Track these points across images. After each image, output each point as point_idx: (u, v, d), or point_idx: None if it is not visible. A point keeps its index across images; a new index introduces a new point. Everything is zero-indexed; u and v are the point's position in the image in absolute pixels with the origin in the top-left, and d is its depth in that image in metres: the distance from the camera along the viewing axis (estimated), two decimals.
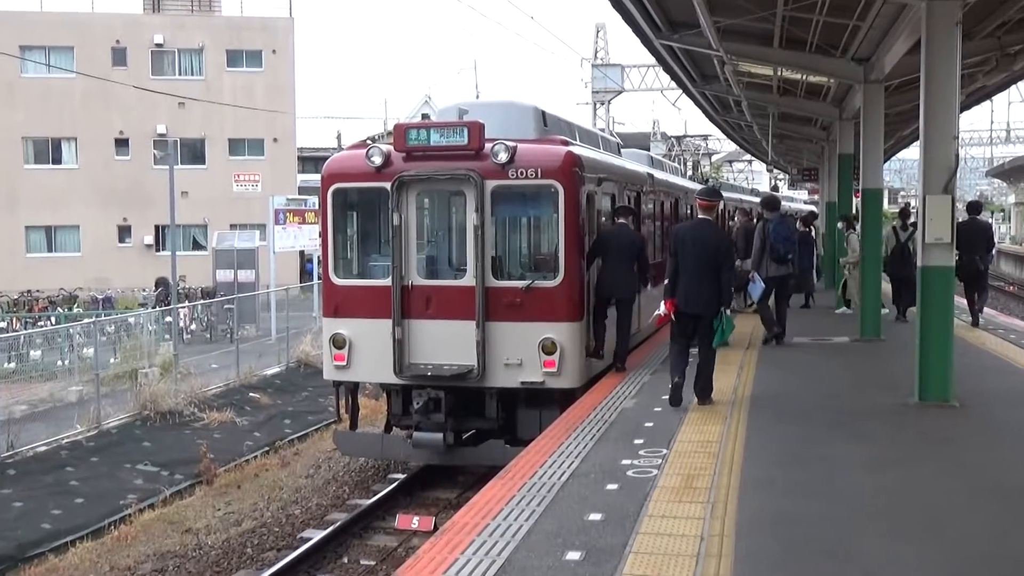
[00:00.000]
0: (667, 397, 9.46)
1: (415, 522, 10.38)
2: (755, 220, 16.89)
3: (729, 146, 56.13)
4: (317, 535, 10.33)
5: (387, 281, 11.14)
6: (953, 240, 9.38)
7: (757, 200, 40.16)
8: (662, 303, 9.62)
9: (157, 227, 41.18)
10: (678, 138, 54.66)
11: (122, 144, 41.63)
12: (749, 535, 5.74)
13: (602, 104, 44.99)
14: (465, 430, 11.74)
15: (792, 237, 14.02)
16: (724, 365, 11.95)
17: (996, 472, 7.19)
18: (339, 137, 56.17)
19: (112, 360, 19.07)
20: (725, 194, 30.98)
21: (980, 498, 6.52)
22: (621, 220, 11.91)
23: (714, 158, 64.39)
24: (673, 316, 9.46)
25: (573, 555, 5.49)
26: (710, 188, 10.60)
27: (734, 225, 19.20)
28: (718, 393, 10.01)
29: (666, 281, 9.61)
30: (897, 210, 20.71)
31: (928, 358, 9.39)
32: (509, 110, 12.09)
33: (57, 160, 41.82)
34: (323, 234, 11.82)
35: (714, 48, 13.78)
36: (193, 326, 26.52)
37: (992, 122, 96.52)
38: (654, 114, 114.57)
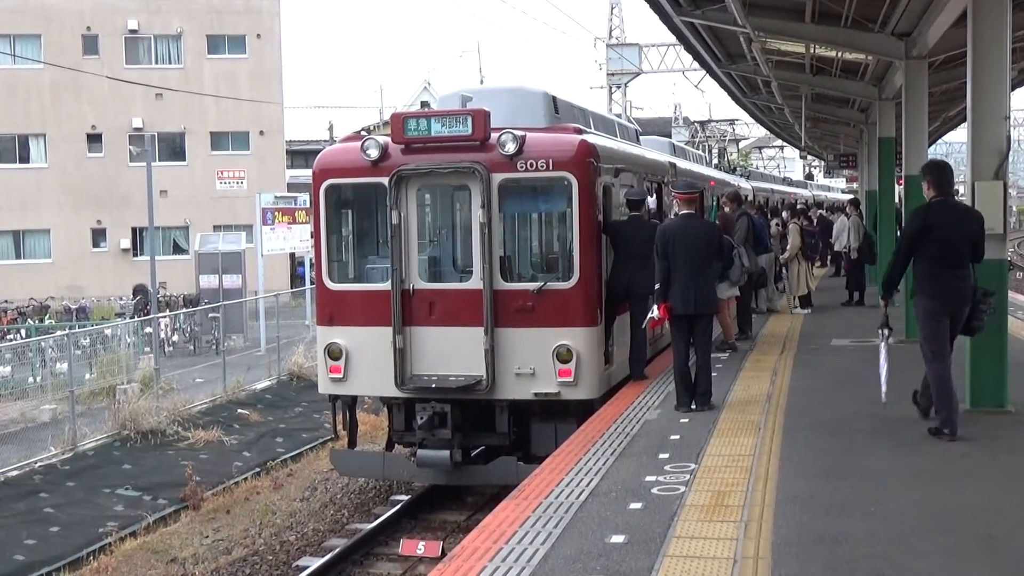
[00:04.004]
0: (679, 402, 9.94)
1: (421, 547, 10.40)
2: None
3: (758, 131, 56.20)
4: (314, 563, 10.37)
5: (386, 285, 11.17)
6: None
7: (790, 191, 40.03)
8: (654, 307, 9.94)
9: (134, 230, 41.33)
10: (702, 123, 54.73)
11: (95, 140, 41.81)
12: (787, 557, 5.74)
13: (618, 87, 44.95)
14: (474, 447, 11.76)
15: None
16: (757, 371, 11.98)
17: None
18: (331, 128, 56.35)
19: (88, 376, 19.14)
20: (757, 184, 31.11)
21: None
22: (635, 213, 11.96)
23: (742, 144, 64.41)
24: (669, 320, 9.88)
25: None
26: (686, 181, 11.30)
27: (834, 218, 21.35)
28: (751, 401, 10.07)
29: (657, 285, 9.90)
30: (849, 199, 23.32)
31: (980, 360, 9.38)
32: (516, 96, 12.11)
33: (24, 159, 42.00)
34: (315, 235, 11.86)
35: (740, 24, 13.79)
36: (175, 337, 26.58)
37: None
38: (675, 97, 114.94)
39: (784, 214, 21.34)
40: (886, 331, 8.78)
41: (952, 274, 8.30)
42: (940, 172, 8.62)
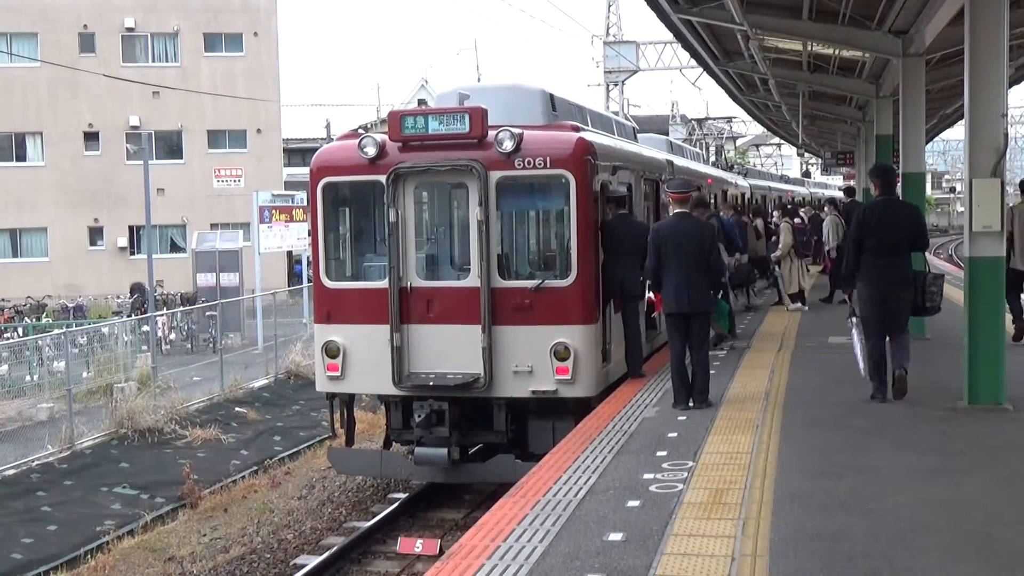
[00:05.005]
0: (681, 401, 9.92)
1: (419, 545, 10.40)
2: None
3: (755, 129, 56.21)
4: (312, 561, 10.36)
5: (384, 283, 11.17)
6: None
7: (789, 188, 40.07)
8: (650, 293, 10.28)
9: (131, 228, 41.31)
10: (699, 121, 54.77)
11: (92, 138, 41.77)
12: (785, 554, 5.74)
13: (615, 85, 44.93)
14: (471, 444, 11.76)
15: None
16: (754, 368, 11.99)
17: None
18: (328, 126, 56.30)
19: (85, 374, 19.13)
20: (754, 182, 31.13)
21: None
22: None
23: (739, 142, 64.44)
24: (667, 317, 10.01)
25: None
26: (681, 180, 11.41)
27: (823, 215, 21.19)
28: (748, 399, 10.07)
29: (648, 282, 10.10)
30: (827, 197, 23.42)
31: (977, 357, 9.38)
32: (514, 94, 12.11)
33: (21, 157, 41.96)
34: (313, 233, 11.85)
35: (737, 22, 13.77)
36: (172, 335, 26.57)
37: None
38: (672, 95, 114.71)
39: (775, 213, 21.40)
40: (854, 319, 10.07)
41: (887, 262, 9.41)
42: (886, 174, 9.92)
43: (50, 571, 11.39)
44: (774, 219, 20.47)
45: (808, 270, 20.14)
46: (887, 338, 9.69)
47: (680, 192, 10.19)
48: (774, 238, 18.94)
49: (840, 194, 34.14)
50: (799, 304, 18.16)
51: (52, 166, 41.43)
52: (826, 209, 21.39)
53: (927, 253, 13.68)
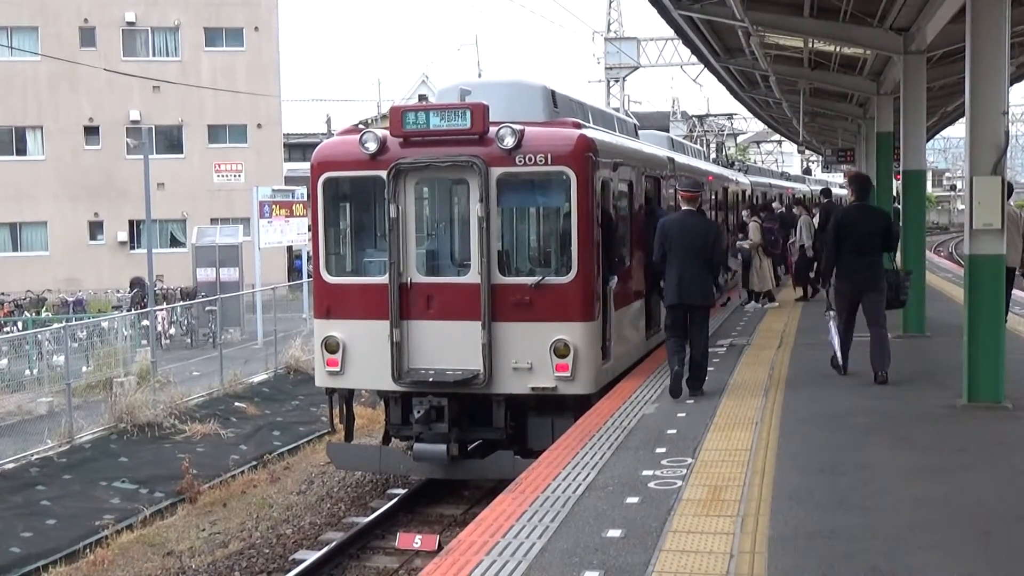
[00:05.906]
0: (671, 389, 10.18)
1: (418, 541, 10.42)
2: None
3: (756, 125, 56.16)
4: (311, 556, 10.37)
5: (384, 279, 11.17)
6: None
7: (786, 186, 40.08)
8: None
9: (131, 222, 41.27)
10: (700, 118, 54.71)
11: (92, 132, 41.72)
12: (783, 552, 5.75)
13: (616, 81, 44.87)
14: (470, 441, 11.76)
15: None
16: (754, 365, 12.00)
17: None
18: (329, 122, 56.28)
19: (84, 368, 19.15)
20: (755, 179, 31.14)
21: None
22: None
23: (740, 139, 64.42)
24: (667, 309, 10.43)
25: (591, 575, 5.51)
26: (691, 180, 11.64)
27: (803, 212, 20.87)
28: (748, 396, 10.10)
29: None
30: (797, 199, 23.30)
31: (977, 355, 9.38)
32: (515, 90, 12.10)
33: (21, 151, 41.93)
34: (313, 228, 11.85)
35: (738, 18, 13.76)
36: (172, 330, 26.59)
37: None
38: (673, 92, 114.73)
39: (744, 212, 21.41)
40: (831, 312, 10.97)
41: (860, 261, 10.39)
42: (861, 182, 11.20)
43: (49, 565, 11.41)
44: (743, 216, 20.53)
45: (777, 274, 20.21)
46: (869, 336, 10.54)
47: (690, 191, 10.53)
48: (740, 235, 19.03)
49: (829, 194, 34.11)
50: (756, 304, 18.19)
51: (52, 160, 41.39)
52: (795, 210, 21.49)
53: (928, 251, 13.62)
